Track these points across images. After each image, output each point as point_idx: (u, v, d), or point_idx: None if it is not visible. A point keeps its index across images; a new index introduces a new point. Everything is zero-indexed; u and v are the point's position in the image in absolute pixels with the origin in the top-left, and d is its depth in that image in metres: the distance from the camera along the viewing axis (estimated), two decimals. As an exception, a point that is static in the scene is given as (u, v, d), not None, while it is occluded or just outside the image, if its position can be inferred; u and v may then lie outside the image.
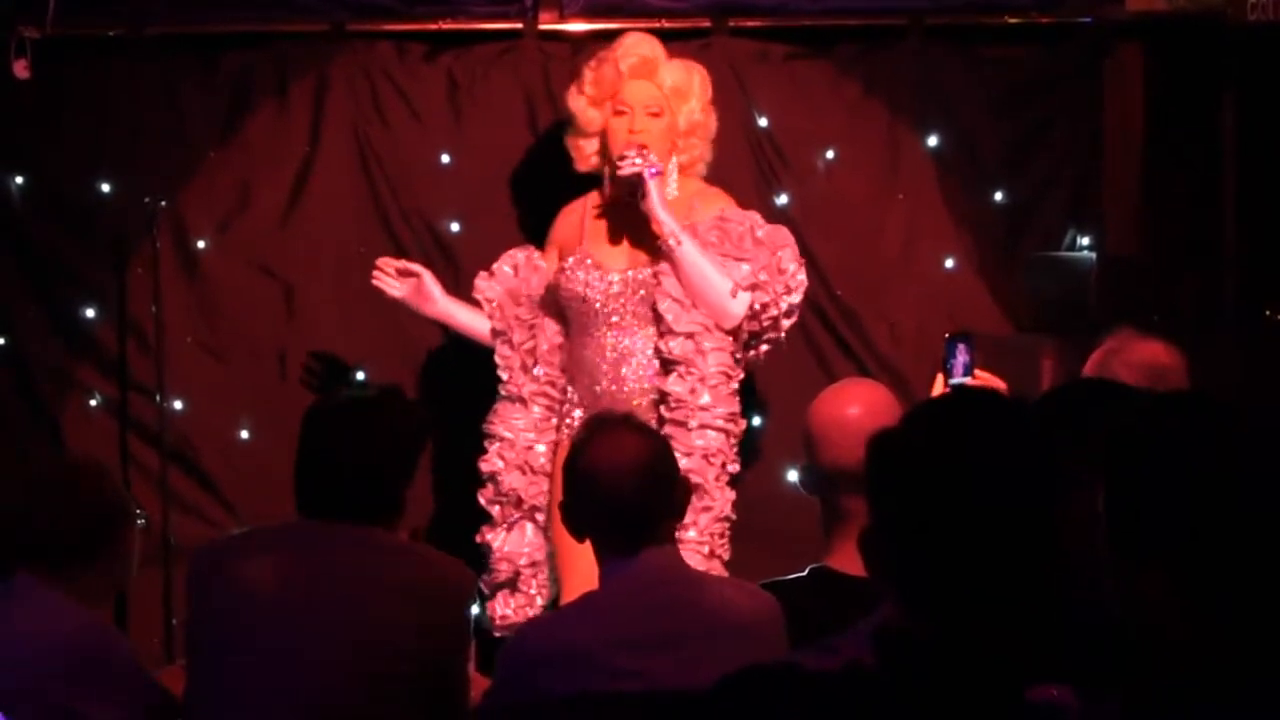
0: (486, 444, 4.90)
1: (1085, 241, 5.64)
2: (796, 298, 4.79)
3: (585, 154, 4.91)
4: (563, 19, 5.55)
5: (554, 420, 4.88)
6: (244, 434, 5.55)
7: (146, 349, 5.45)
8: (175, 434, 5.47)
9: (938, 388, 3.79)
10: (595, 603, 3.05)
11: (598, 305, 4.76)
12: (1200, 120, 5.70)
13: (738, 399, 4.76)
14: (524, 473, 4.85)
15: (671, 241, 4.64)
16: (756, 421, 5.55)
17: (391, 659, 3.02)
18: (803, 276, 4.79)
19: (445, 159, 5.55)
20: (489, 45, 5.55)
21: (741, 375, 4.81)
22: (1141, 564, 1.93)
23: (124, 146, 5.50)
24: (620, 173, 4.67)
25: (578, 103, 4.87)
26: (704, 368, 4.66)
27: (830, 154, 5.64)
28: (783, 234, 4.82)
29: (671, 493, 3.05)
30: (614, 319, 4.76)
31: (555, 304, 4.87)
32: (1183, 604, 1.92)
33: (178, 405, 5.49)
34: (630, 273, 4.77)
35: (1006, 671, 1.94)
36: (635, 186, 4.67)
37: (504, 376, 4.91)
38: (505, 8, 5.59)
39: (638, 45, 4.84)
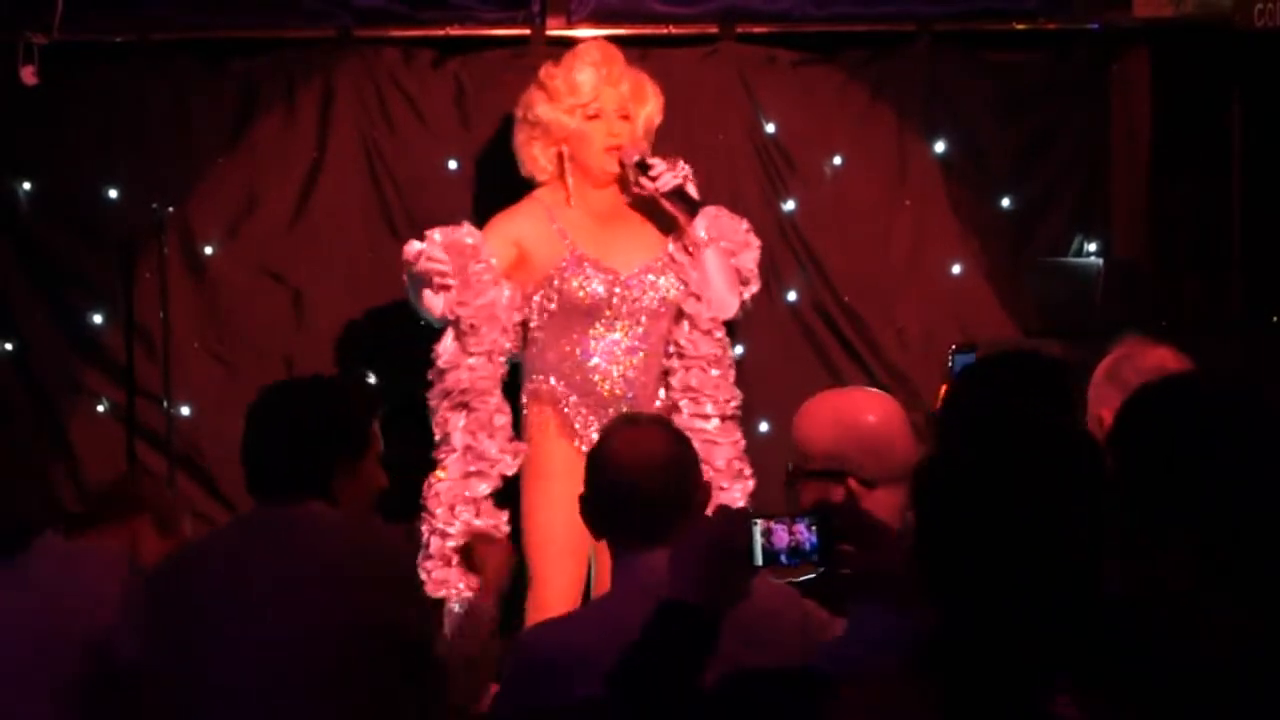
0: (482, 405, 4.78)
1: (1092, 247, 5.64)
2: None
3: (541, 163, 4.94)
4: (570, 25, 5.55)
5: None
6: (251, 439, 5.54)
7: (154, 354, 5.45)
8: (182, 439, 5.47)
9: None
10: (605, 605, 3.06)
11: (612, 308, 4.83)
12: (1207, 126, 5.71)
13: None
14: (509, 427, 4.84)
15: (704, 241, 4.82)
16: (763, 427, 5.55)
17: (342, 631, 3.03)
18: None
19: (453, 165, 5.56)
20: (496, 51, 5.56)
21: None
22: (1157, 537, 1.93)
23: (131, 152, 5.51)
24: (664, 189, 4.78)
25: (546, 110, 4.90)
26: (723, 362, 4.91)
27: (837, 160, 5.64)
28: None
29: (693, 491, 3.05)
30: (624, 317, 4.83)
31: (550, 304, 4.87)
32: (1200, 577, 1.92)
33: (185, 410, 5.49)
34: (638, 271, 4.87)
35: (1035, 676, 1.94)
36: (680, 195, 4.81)
37: (469, 333, 4.74)
38: (512, 13, 5.60)
39: (609, 52, 4.96)
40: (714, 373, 4.89)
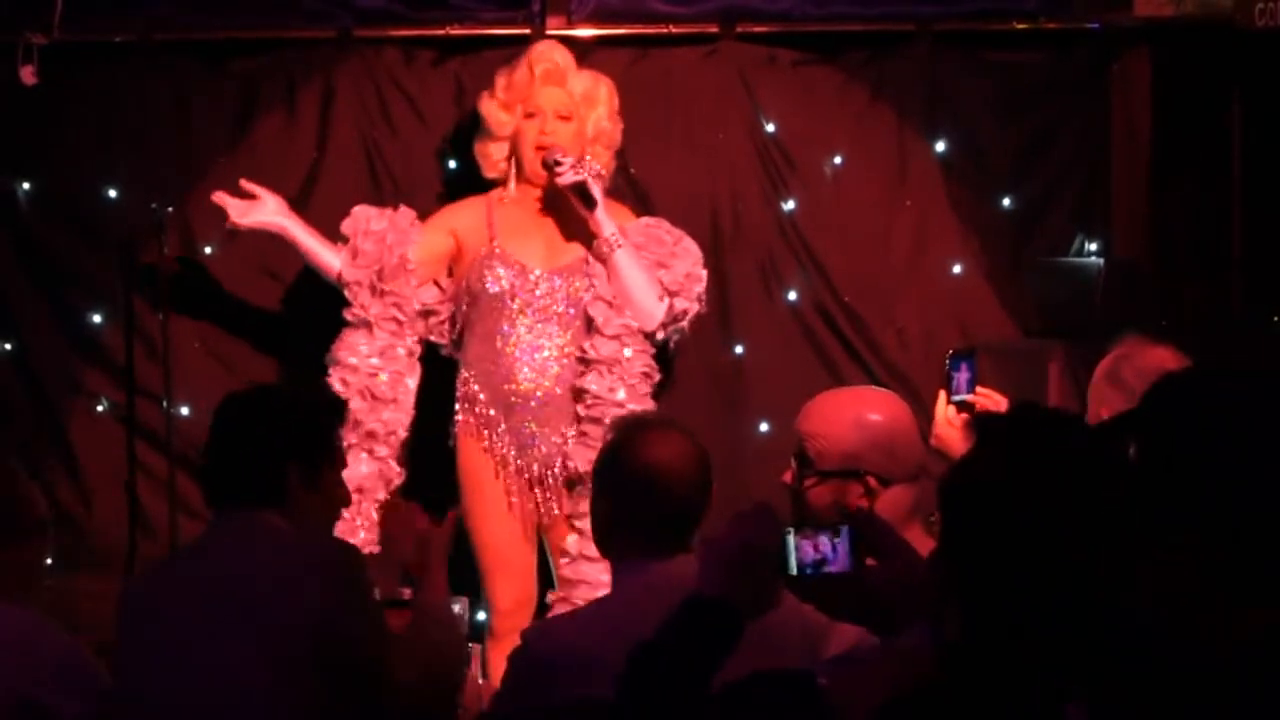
0: (331, 370, 5.01)
1: (1092, 246, 5.64)
2: (698, 308, 5.09)
3: (494, 160, 5.12)
4: (570, 24, 5.55)
5: (400, 349, 4.99)
6: (251, 439, 5.54)
7: (154, 354, 5.45)
8: (182, 439, 5.45)
9: (940, 405, 3.82)
10: (608, 608, 3.05)
11: (517, 301, 4.94)
12: (1207, 125, 5.70)
13: (651, 399, 5.01)
14: (364, 398, 4.95)
15: (612, 245, 4.90)
16: (764, 427, 5.55)
17: (287, 642, 3.02)
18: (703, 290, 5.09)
19: (453, 164, 5.55)
20: (496, 51, 5.55)
21: (659, 375, 5.05)
22: (1171, 545, 1.93)
23: (131, 152, 5.51)
24: (561, 181, 4.87)
25: (489, 107, 5.09)
26: (627, 368, 4.91)
27: (838, 160, 5.64)
28: (695, 246, 5.10)
29: (709, 498, 3.04)
30: (531, 314, 4.94)
31: (466, 295, 5.01)
32: (1200, 577, 1.92)
33: (185, 411, 5.48)
34: (550, 270, 4.97)
35: (1053, 680, 1.94)
36: (581, 191, 4.88)
37: (351, 299, 5.00)
38: (513, 13, 5.60)
39: (550, 52, 5.09)
40: (610, 377, 4.88)
